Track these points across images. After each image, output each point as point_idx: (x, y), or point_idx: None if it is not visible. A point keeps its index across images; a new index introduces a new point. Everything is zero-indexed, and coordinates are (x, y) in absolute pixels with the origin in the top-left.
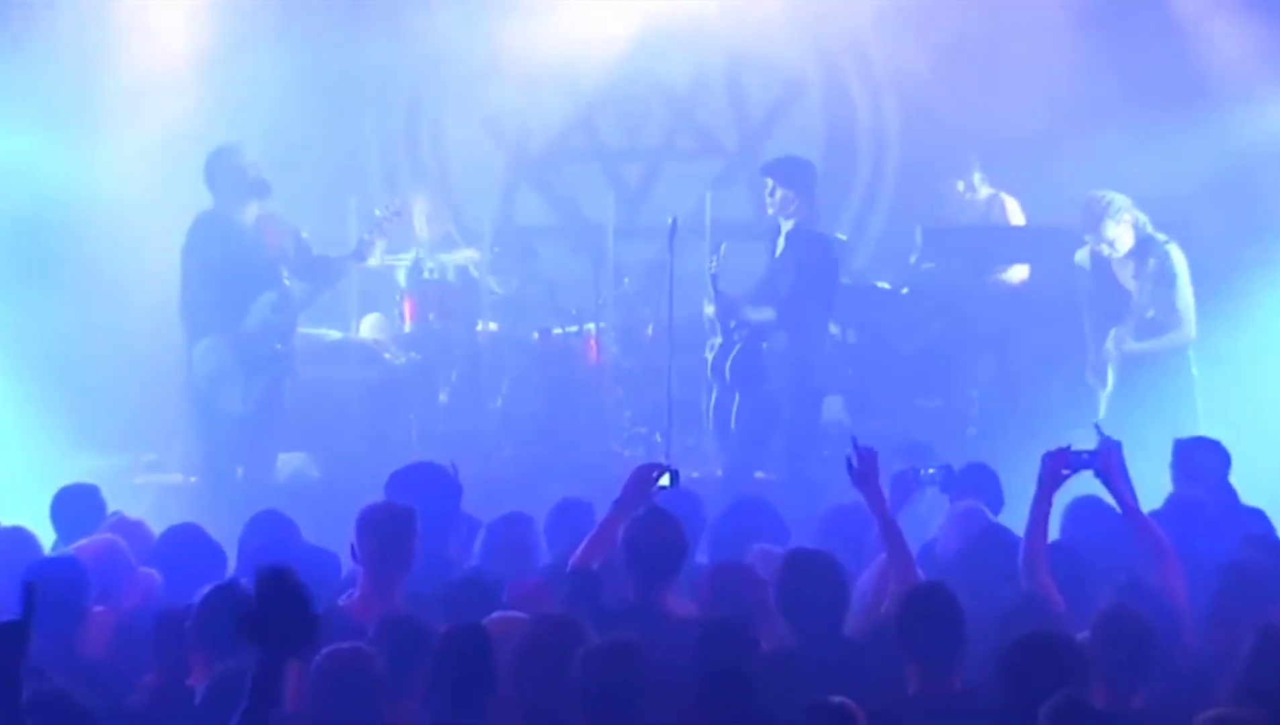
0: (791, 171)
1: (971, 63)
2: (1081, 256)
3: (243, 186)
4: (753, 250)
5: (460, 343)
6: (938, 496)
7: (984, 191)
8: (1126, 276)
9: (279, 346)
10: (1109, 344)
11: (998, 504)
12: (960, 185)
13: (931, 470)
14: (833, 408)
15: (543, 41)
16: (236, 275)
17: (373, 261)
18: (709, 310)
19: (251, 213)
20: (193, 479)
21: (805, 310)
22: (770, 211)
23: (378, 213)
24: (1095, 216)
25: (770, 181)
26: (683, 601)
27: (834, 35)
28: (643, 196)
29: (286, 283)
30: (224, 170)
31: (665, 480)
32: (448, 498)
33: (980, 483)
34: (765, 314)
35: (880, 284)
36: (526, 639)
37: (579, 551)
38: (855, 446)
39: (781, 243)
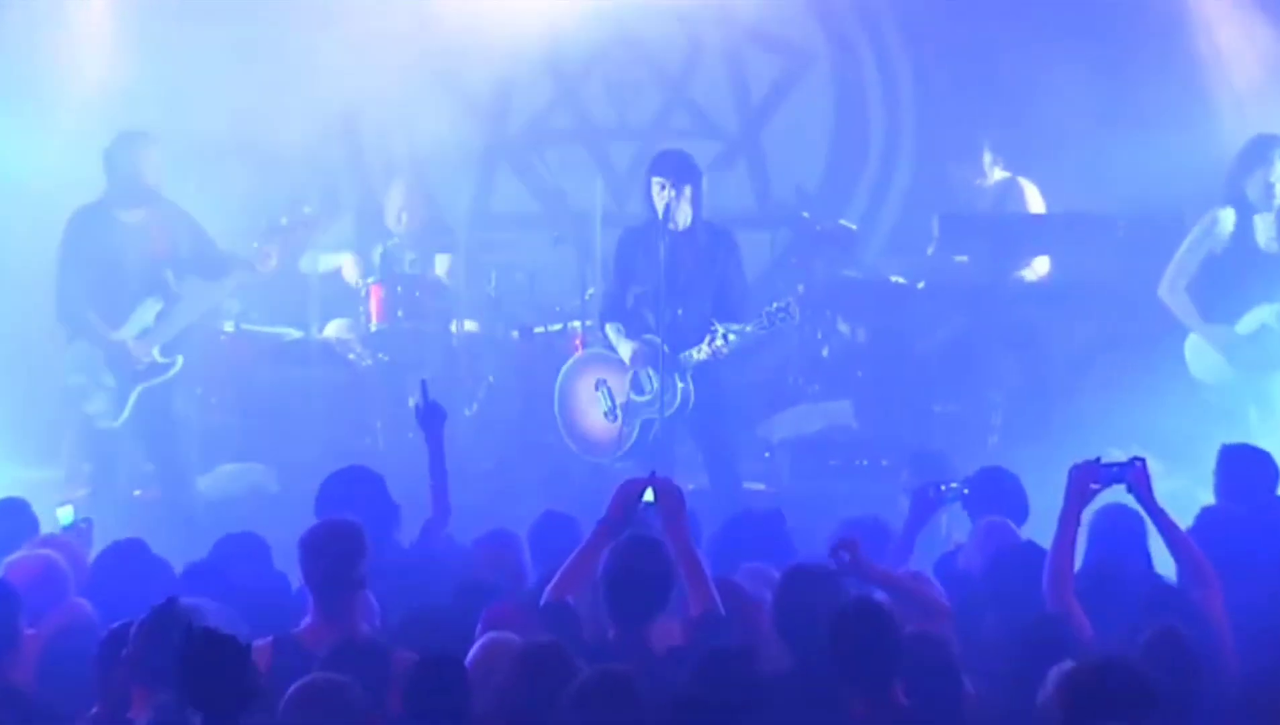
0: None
1: (999, 31)
2: (1225, 217)
3: (135, 188)
4: (756, 241)
5: (432, 343)
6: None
7: (996, 175)
8: (1269, 237)
9: (160, 357)
10: (1257, 319)
11: (1021, 514)
12: (986, 161)
13: (954, 484)
14: (841, 413)
15: (523, 8)
16: (113, 277)
17: (265, 267)
18: (626, 349)
19: (137, 214)
20: (137, 492)
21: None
22: (684, 215)
23: (283, 221)
24: (1260, 157)
25: (689, 188)
26: (668, 627)
27: (843, 2)
28: (632, 181)
29: (173, 288)
30: (121, 163)
31: (649, 496)
32: (380, 500)
33: (1001, 490)
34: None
35: (893, 278)
36: (513, 668)
37: (552, 584)
38: (839, 542)
39: (693, 241)
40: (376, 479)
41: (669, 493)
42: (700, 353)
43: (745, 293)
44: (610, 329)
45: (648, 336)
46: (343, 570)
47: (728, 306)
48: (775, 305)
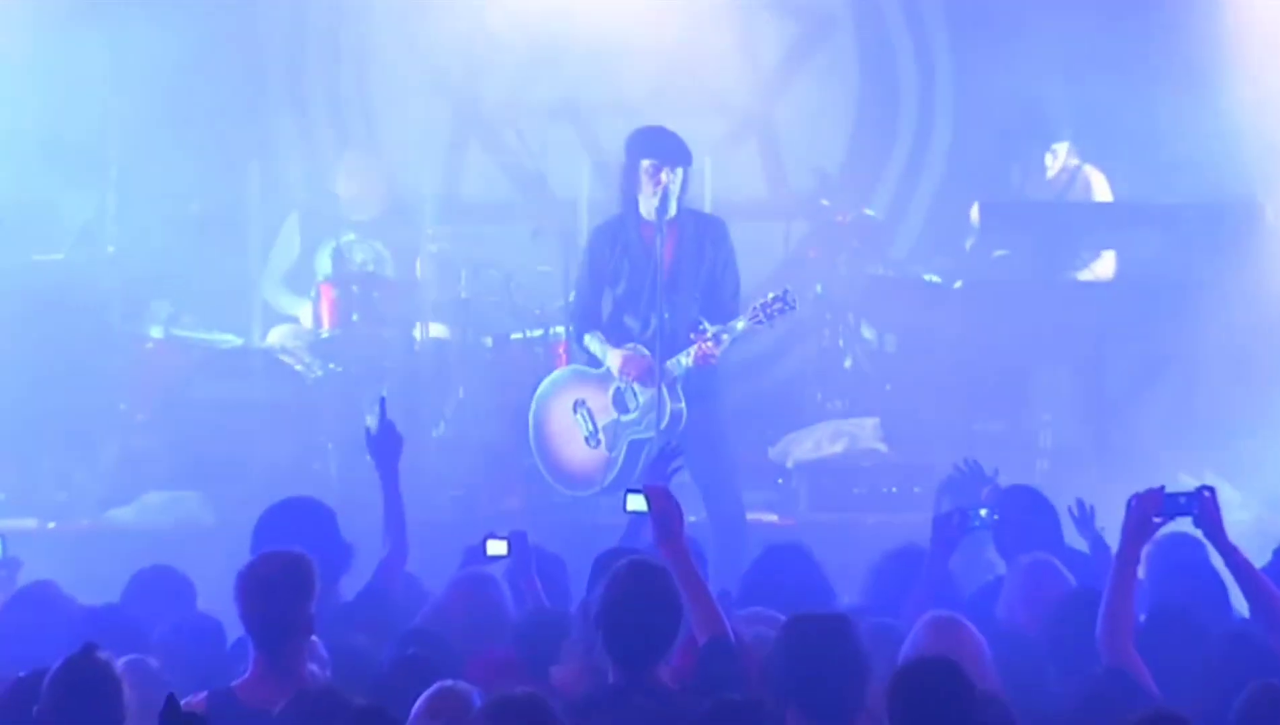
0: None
1: None
2: None
3: None
4: (768, 233)
5: (392, 351)
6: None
7: (1066, 162)
8: None
9: None
10: None
11: (1054, 544)
12: (1049, 157)
13: (982, 513)
14: (866, 433)
15: None
16: None
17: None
18: (615, 359)
19: None
20: (51, 525)
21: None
22: (671, 204)
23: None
24: None
25: (681, 171)
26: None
27: None
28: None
29: None
30: None
31: (639, 504)
32: (328, 538)
33: (1029, 512)
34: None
35: (927, 276)
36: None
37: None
38: None
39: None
40: (325, 512)
41: (663, 500)
42: (687, 358)
43: (738, 290)
44: (590, 340)
45: (632, 345)
46: (289, 612)
47: (719, 306)
48: (771, 295)
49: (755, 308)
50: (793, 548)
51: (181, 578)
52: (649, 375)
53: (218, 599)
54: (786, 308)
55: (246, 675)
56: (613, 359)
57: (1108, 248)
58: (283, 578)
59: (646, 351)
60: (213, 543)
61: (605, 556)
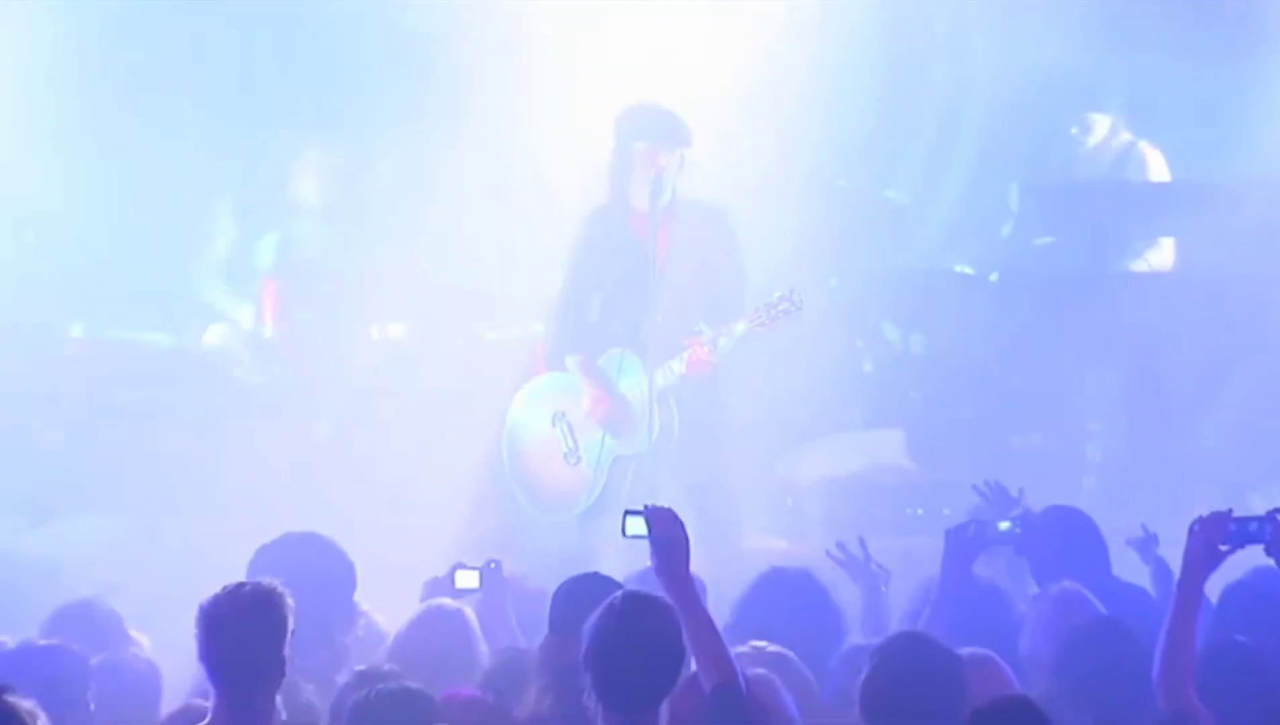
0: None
1: None
2: None
3: None
4: (775, 219)
5: (346, 353)
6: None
7: (1114, 137)
8: None
9: None
10: None
11: (1097, 573)
12: (1076, 129)
13: (1004, 525)
14: (889, 448)
15: None
16: None
17: None
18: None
19: None
20: None
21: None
22: (667, 191)
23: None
24: None
25: (680, 154)
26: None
27: None
28: None
29: None
30: None
31: (638, 528)
32: (339, 583)
33: (1069, 537)
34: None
35: (958, 267)
36: None
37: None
38: None
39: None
40: (335, 553)
41: (666, 525)
42: (679, 365)
43: (742, 288)
44: (570, 366)
45: (613, 351)
46: (259, 653)
47: (719, 306)
48: (776, 294)
49: (757, 308)
50: (797, 573)
51: (108, 613)
52: (619, 426)
53: (145, 631)
54: (793, 308)
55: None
56: (585, 394)
57: (1165, 235)
58: (252, 613)
59: (627, 394)
60: (141, 571)
61: (570, 586)
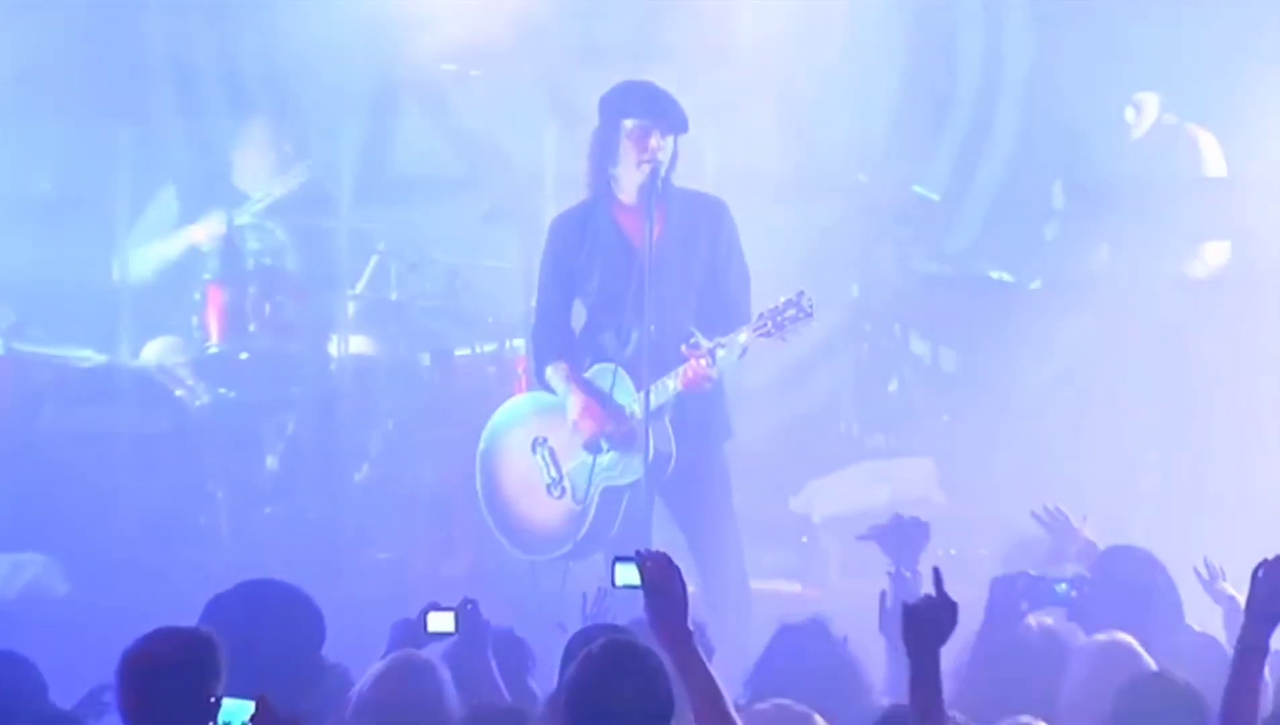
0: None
1: None
2: None
3: None
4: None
5: (301, 371)
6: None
7: (1161, 120)
8: None
9: None
10: None
11: (1165, 624)
12: (1130, 112)
13: (1064, 587)
14: (917, 477)
15: None
16: None
17: None
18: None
19: None
20: None
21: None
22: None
23: None
24: None
25: (673, 138)
26: None
27: None
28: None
29: None
30: None
31: (630, 578)
32: (306, 636)
33: (1131, 583)
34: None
35: (994, 273)
36: None
37: None
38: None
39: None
40: (303, 602)
41: (661, 573)
42: (674, 381)
43: (746, 292)
44: (552, 376)
45: (600, 366)
46: (187, 708)
47: (720, 312)
48: (783, 299)
49: (762, 315)
50: (810, 627)
51: (27, 665)
52: (615, 439)
53: (75, 691)
54: (802, 316)
55: None
56: (571, 405)
57: (1224, 236)
58: (181, 663)
59: (624, 405)
60: (67, 620)
61: (583, 638)
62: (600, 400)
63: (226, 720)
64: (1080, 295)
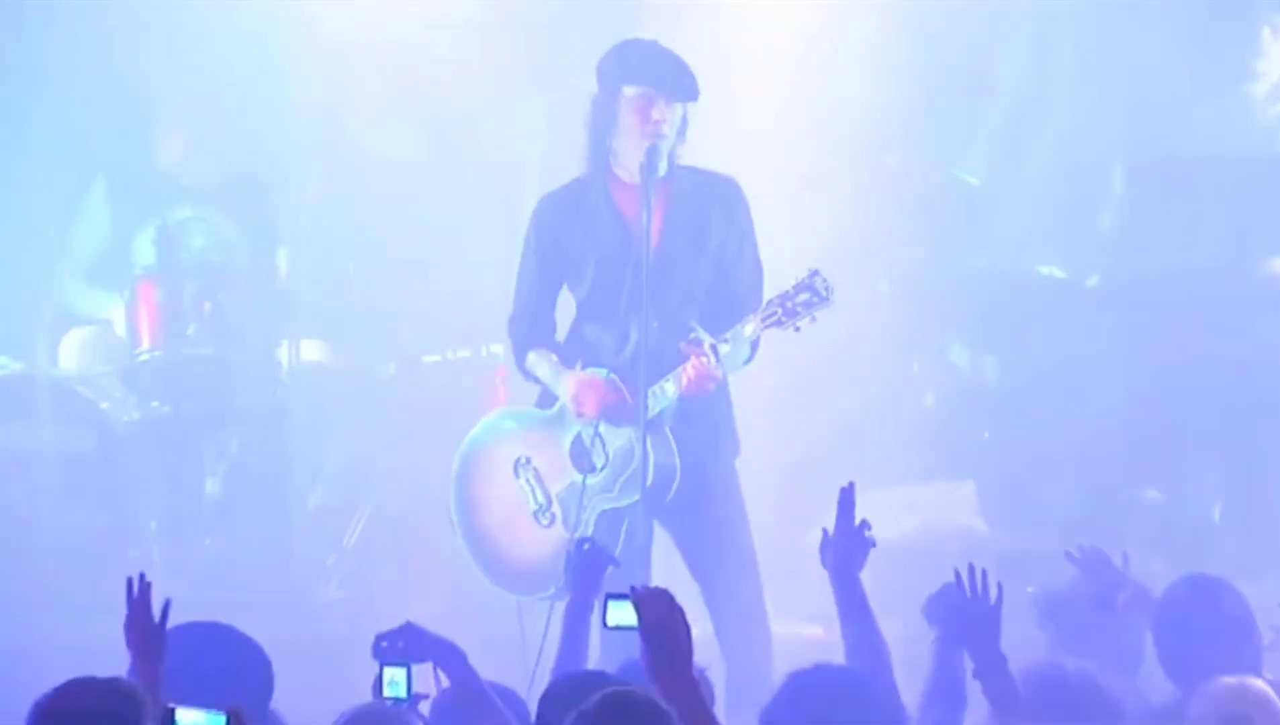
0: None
1: None
2: None
3: None
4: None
5: (246, 381)
6: None
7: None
8: None
9: None
10: None
11: (1244, 661)
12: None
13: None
14: (956, 506)
15: None
16: None
17: None
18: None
19: None
20: None
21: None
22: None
23: None
24: None
25: (681, 108)
26: None
27: None
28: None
29: None
30: None
31: (623, 617)
32: (254, 688)
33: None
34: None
35: (1044, 269)
36: None
37: None
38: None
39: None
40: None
41: (661, 610)
42: (674, 384)
43: (759, 282)
44: (536, 361)
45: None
46: None
47: (730, 305)
48: (793, 281)
49: (770, 301)
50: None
51: None
52: (619, 411)
53: None
54: (816, 299)
55: None
56: (564, 386)
57: None
58: (99, 716)
59: (617, 379)
60: None
61: (558, 689)
62: (598, 375)
63: None
64: (1143, 294)
